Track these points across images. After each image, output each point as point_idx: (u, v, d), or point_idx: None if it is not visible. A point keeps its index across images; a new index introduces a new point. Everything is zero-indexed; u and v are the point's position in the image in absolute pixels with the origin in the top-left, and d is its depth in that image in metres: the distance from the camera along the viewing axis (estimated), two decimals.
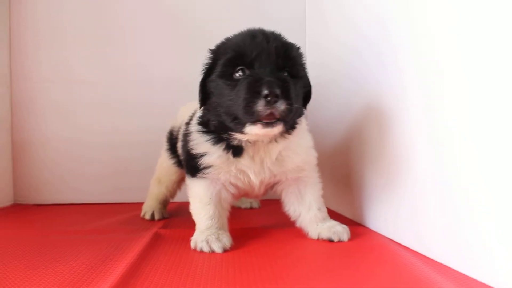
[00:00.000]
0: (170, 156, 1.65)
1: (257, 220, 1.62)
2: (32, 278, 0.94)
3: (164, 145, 1.70)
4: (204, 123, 1.23)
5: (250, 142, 1.18)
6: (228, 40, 1.18)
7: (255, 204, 1.92)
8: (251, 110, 1.04)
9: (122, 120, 2.09)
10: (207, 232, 1.19)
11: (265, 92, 1.01)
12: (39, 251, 1.16)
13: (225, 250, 1.15)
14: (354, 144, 1.52)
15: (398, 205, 1.23)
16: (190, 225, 1.29)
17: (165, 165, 1.68)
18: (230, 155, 1.20)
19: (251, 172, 1.21)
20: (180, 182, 1.70)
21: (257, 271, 0.98)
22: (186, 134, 1.28)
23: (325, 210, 1.33)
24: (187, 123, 1.43)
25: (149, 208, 1.67)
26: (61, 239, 1.31)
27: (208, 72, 1.18)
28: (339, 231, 1.25)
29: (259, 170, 1.21)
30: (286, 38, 1.18)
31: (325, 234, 1.26)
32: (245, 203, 1.90)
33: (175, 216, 1.71)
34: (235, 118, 1.11)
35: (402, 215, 1.22)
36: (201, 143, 1.22)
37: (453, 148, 0.97)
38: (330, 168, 1.70)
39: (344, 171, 1.60)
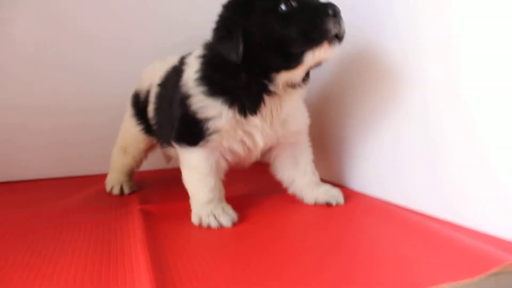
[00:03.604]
0: (138, 122, 1.49)
1: (239, 187, 1.54)
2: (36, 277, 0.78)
3: (129, 110, 1.53)
4: (216, 83, 1.10)
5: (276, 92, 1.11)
6: None
7: None
8: (322, 29, 0.98)
9: (65, 83, 1.81)
10: (210, 206, 1.11)
11: (331, 12, 0.99)
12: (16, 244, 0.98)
13: (233, 224, 1.08)
14: (329, 102, 1.51)
15: (382, 161, 1.27)
16: (170, 198, 1.27)
17: (132, 132, 1.51)
18: (241, 116, 1.10)
19: (258, 133, 1.14)
20: (148, 150, 1.55)
21: (279, 242, 0.94)
22: (184, 97, 1.12)
23: (318, 174, 1.32)
24: (161, 85, 1.32)
25: (116, 181, 1.50)
26: (29, 225, 1.12)
27: (242, 16, 1.05)
28: (336, 194, 1.25)
29: (267, 131, 1.15)
30: None
31: (322, 198, 1.25)
32: None
33: (144, 188, 1.56)
34: (288, 55, 1.03)
35: (386, 171, 1.25)
36: (209, 105, 1.09)
37: (439, 103, 1.04)
38: None
39: (317, 131, 1.58)
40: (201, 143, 1.11)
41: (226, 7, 1.10)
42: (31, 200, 1.43)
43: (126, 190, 1.48)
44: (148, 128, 1.46)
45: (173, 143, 1.18)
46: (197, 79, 1.12)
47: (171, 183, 1.64)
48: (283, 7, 1.02)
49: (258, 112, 1.11)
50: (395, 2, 1.17)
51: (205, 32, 1.32)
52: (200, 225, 1.08)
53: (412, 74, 1.13)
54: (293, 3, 1.02)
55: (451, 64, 1.00)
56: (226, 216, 1.08)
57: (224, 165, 1.18)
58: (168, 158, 1.75)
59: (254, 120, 1.12)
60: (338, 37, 1.02)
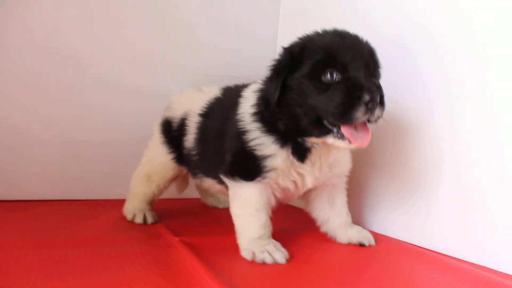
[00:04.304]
0: (169, 151, 1.45)
1: None
2: None
3: (158, 137, 1.49)
4: (268, 121, 1.11)
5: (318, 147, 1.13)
6: (315, 38, 1.08)
7: None
8: (349, 116, 0.97)
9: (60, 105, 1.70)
10: (262, 242, 1.10)
11: (367, 98, 0.96)
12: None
13: (287, 260, 1.08)
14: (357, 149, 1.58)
15: (410, 208, 1.34)
16: (199, 230, 1.35)
17: (161, 160, 1.47)
18: (294, 159, 1.12)
19: (309, 176, 1.16)
20: (173, 179, 1.52)
21: (336, 282, 0.96)
22: (241, 133, 1.13)
23: (350, 215, 1.36)
24: (204, 115, 1.33)
25: (137, 210, 1.43)
26: (61, 251, 1.05)
27: (289, 69, 1.06)
28: (368, 235, 1.30)
29: (316, 174, 1.17)
30: None
31: (356, 239, 1.28)
32: (223, 203, 1.78)
33: (163, 218, 1.49)
34: (317, 122, 1.04)
35: (414, 217, 1.32)
36: (265, 143, 1.10)
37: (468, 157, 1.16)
38: None
39: None
40: (258, 178, 1.12)
41: (285, 50, 1.11)
42: (46, 222, 1.34)
43: (149, 220, 1.41)
44: (179, 157, 1.43)
45: (224, 176, 1.17)
46: (252, 114, 1.14)
47: (187, 214, 1.64)
48: (326, 76, 1.02)
49: (306, 159, 1.13)
50: (433, 90, 1.27)
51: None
52: (252, 261, 1.07)
53: (444, 144, 1.23)
54: (338, 76, 1.02)
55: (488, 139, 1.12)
56: (279, 253, 1.08)
57: (273, 202, 1.18)
58: (181, 189, 1.71)
59: (305, 165, 1.14)
60: (369, 121, 1.02)
